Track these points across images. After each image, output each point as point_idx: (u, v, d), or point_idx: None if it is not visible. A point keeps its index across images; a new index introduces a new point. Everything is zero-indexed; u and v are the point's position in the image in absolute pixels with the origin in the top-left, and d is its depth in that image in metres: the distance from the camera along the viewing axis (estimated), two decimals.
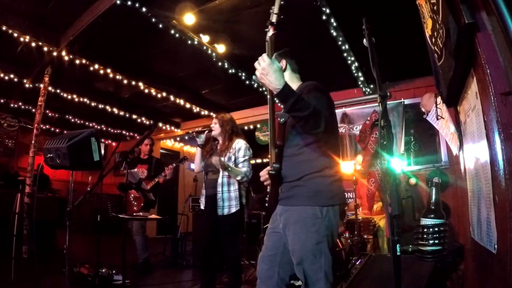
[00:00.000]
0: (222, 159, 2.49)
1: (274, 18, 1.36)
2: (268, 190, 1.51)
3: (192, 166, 7.23)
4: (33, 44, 3.50)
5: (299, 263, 1.35)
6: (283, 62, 1.62)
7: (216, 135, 2.68)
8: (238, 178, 2.52)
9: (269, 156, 1.47)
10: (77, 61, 3.83)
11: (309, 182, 1.39)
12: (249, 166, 2.59)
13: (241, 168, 2.55)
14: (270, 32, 1.37)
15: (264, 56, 1.30)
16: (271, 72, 1.26)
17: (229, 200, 2.51)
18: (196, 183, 5.63)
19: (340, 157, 1.54)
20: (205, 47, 3.62)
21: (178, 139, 7.93)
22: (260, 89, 4.61)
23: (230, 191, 2.53)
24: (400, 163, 3.92)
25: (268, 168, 1.46)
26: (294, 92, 1.27)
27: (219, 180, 2.53)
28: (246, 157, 2.60)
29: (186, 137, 7.60)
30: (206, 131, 2.69)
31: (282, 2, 1.38)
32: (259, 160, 6.86)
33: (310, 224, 1.34)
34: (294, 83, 1.59)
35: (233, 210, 2.50)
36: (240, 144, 2.62)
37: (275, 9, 1.36)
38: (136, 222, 3.65)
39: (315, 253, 1.32)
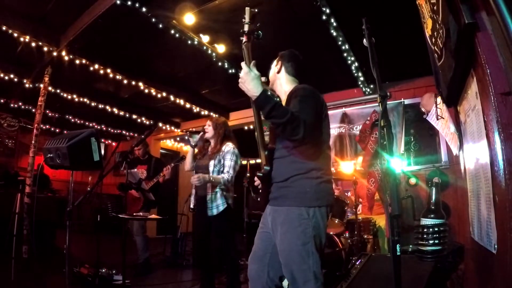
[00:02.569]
0: (215, 161, 2.59)
1: (246, 27, 1.43)
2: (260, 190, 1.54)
3: None
4: (33, 44, 3.50)
5: (287, 264, 1.35)
6: (279, 65, 1.64)
7: (209, 137, 2.75)
8: (220, 186, 2.61)
9: (260, 158, 1.50)
10: (77, 61, 3.83)
11: (295, 183, 1.40)
12: (231, 172, 2.61)
13: (222, 174, 2.60)
14: (244, 40, 1.43)
15: (242, 64, 1.36)
16: (248, 80, 1.32)
17: (215, 200, 2.60)
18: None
19: (331, 159, 1.55)
20: (205, 47, 3.62)
21: (178, 139, 7.93)
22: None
23: (216, 192, 2.61)
24: (400, 163, 3.92)
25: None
26: (270, 99, 1.29)
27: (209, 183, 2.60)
28: (232, 162, 2.63)
29: (178, 138, 7.59)
30: (201, 133, 2.75)
31: (256, 11, 1.43)
32: (259, 160, 6.86)
33: (297, 225, 1.35)
34: (289, 86, 1.60)
35: (221, 209, 2.58)
36: (229, 147, 2.68)
37: (246, 18, 1.43)
38: (136, 223, 3.64)
39: (303, 254, 1.32)
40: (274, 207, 1.46)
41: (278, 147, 1.48)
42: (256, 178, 1.55)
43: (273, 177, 1.46)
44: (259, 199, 1.57)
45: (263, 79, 1.38)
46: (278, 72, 1.64)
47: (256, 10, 1.43)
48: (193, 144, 2.78)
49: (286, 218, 1.38)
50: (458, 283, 2.22)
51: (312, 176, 1.40)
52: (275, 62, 1.69)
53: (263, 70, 1.52)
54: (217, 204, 2.59)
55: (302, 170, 1.40)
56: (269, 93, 1.43)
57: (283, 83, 1.64)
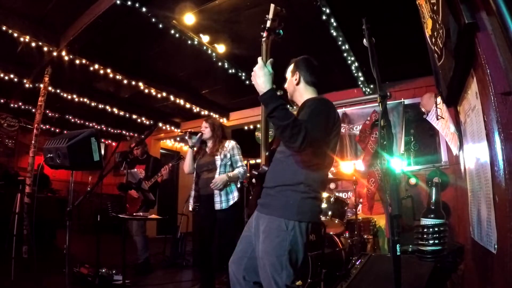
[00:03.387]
0: (221, 156, 2.64)
1: (268, 24, 1.42)
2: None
3: None
4: (33, 44, 3.50)
5: (262, 273, 1.34)
6: (296, 75, 1.58)
7: (206, 138, 2.79)
8: (238, 181, 2.67)
9: (260, 157, 1.51)
10: (77, 61, 3.83)
11: (280, 194, 1.38)
12: (243, 165, 2.75)
13: (238, 169, 2.71)
14: (264, 36, 1.42)
15: (258, 59, 1.35)
16: (260, 75, 1.31)
17: (226, 195, 2.63)
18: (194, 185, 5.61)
19: (328, 177, 1.51)
20: (205, 47, 3.62)
21: (178, 139, 7.92)
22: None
23: (226, 186, 2.64)
24: (400, 163, 3.92)
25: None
26: (277, 99, 1.26)
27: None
28: (240, 156, 2.77)
29: (178, 138, 7.62)
30: (200, 133, 2.79)
31: (281, 9, 1.42)
32: (259, 160, 6.86)
33: (274, 236, 1.33)
34: (308, 96, 1.55)
35: (231, 203, 2.62)
36: (232, 143, 2.78)
37: (270, 15, 1.42)
38: (135, 223, 3.64)
39: (276, 266, 1.30)
40: (259, 213, 1.45)
41: (278, 150, 1.47)
42: (251, 176, 1.55)
43: (265, 181, 1.46)
44: (250, 197, 1.57)
45: (278, 93, 1.35)
46: (298, 83, 1.58)
47: (282, 9, 1.42)
48: (191, 145, 2.80)
49: (267, 227, 1.36)
50: (458, 283, 2.22)
51: (298, 189, 1.36)
52: (290, 72, 1.62)
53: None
54: (228, 198, 2.62)
55: (290, 182, 1.37)
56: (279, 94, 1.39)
57: (303, 93, 1.57)
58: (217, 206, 2.59)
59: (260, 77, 1.30)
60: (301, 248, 1.35)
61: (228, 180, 2.61)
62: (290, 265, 1.31)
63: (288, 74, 1.64)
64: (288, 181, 1.38)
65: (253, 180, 1.57)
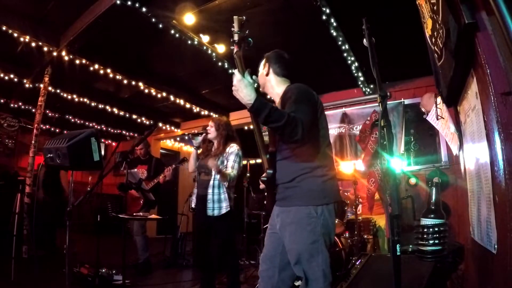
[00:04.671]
0: (218, 162, 2.54)
1: (236, 37, 1.44)
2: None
3: None
4: (33, 44, 3.50)
5: (297, 263, 1.37)
6: (266, 67, 1.64)
7: (211, 138, 2.74)
8: (225, 182, 2.57)
9: (262, 162, 1.51)
10: (77, 61, 3.83)
11: (301, 183, 1.41)
12: (236, 172, 2.62)
13: (229, 173, 2.58)
14: (235, 50, 1.44)
15: (235, 72, 1.36)
16: (241, 88, 1.31)
17: (218, 202, 2.57)
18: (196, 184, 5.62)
19: (333, 155, 1.55)
20: (205, 47, 3.62)
21: (178, 139, 7.92)
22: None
23: (220, 193, 2.59)
24: (400, 163, 3.92)
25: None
26: (265, 105, 1.27)
27: (211, 182, 2.59)
28: (236, 163, 2.63)
29: (179, 138, 7.63)
30: (203, 134, 2.74)
31: (244, 18, 1.43)
32: (259, 160, 6.86)
33: (305, 224, 1.36)
34: (281, 87, 1.59)
35: (223, 211, 2.56)
36: (233, 148, 2.67)
37: (235, 27, 1.43)
38: (136, 223, 3.64)
39: (312, 252, 1.34)
40: (282, 207, 1.47)
41: (280, 149, 1.48)
42: (260, 182, 1.55)
43: (278, 179, 1.47)
44: (265, 201, 1.57)
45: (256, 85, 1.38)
46: (267, 74, 1.64)
47: (244, 18, 1.44)
48: (195, 145, 2.77)
49: (295, 217, 1.39)
50: (458, 283, 2.23)
51: (317, 174, 1.41)
52: (262, 64, 1.69)
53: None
54: (220, 206, 2.56)
55: (307, 169, 1.41)
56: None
57: (274, 85, 1.63)
58: (209, 212, 2.55)
59: (242, 90, 1.31)
60: (332, 228, 1.42)
61: (217, 167, 2.46)
62: (325, 247, 1.36)
63: (260, 67, 1.70)
64: (305, 169, 1.41)
65: (261, 187, 1.56)
